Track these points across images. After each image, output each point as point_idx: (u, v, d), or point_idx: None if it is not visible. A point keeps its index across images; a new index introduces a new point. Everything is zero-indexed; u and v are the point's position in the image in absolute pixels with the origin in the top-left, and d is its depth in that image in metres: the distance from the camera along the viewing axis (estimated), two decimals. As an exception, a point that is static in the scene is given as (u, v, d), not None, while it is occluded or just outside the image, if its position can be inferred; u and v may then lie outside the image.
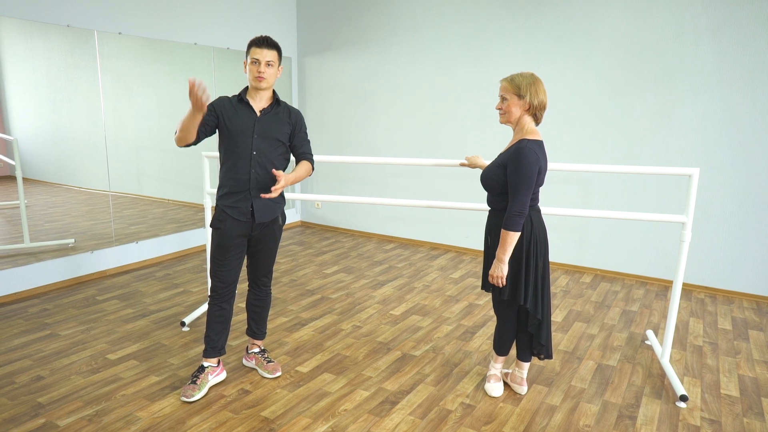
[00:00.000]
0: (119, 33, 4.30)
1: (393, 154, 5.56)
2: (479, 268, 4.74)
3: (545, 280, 2.49)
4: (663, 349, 2.96)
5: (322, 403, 2.57)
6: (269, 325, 3.46)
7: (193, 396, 2.55)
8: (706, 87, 3.98)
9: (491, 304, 3.88)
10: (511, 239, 2.34)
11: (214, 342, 2.68)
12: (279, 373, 2.82)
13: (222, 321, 2.67)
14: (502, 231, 2.35)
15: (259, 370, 2.84)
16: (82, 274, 4.24)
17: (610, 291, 4.20)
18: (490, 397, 2.65)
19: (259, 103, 2.55)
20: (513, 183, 2.31)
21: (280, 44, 5.83)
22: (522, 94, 2.32)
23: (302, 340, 3.26)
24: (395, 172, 5.58)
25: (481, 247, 5.21)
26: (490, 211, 2.54)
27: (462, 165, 2.92)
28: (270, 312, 3.69)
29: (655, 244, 4.36)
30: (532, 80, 2.32)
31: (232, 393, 2.64)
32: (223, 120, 2.51)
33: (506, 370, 2.80)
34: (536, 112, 2.35)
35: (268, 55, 2.46)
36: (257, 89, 2.51)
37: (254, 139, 2.52)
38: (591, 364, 3.00)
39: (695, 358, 3.10)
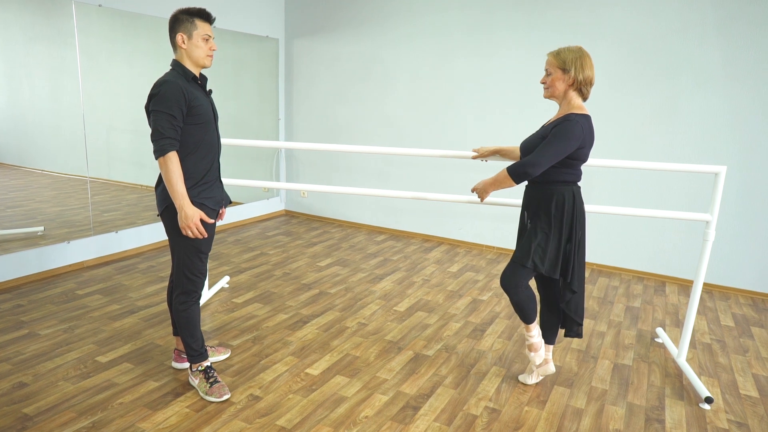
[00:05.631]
0: (99, 5, 3.95)
1: (385, 144, 5.38)
2: (476, 261, 4.65)
3: (583, 254, 2.43)
4: (680, 349, 2.92)
5: (340, 409, 2.41)
6: (269, 323, 3.27)
7: (228, 392, 2.45)
8: (710, 83, 3.96)
9: (496, 300, 3.78)
10: (506, 183, 2.32)
11: (203, 341, 2.51)
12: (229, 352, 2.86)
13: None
14: (506, 170, 2.30)
15: (213, 359, 2.78)
16: (56, 266, 3.91)
17: (609, 286, 4.17)
18: (514, 396, 2.55)
19: (201, 81, 2.36)
20: (546, 142, 2.23)
21: (266, 24, 5.55)
22: (567, 68, 2.23)
23: (307, 339, 3.08)
24: (386, 161, 5.41)
25: (477, 241, 5.11)
26: (527, 186, 2.47)
27: (474, 158, 2.80)
28: (268, 308, 3.49)
29: (652, 239, 4.35)
30: (579, 54, 2.23)
31: (241, 399, 2.45)
32: (194, 109, 2.23)
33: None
34: (581, 87, 2.26)
35: (212, 30, 2.33)
36: (203, 67, 2.32)
37: (216, 123, 2.42)
38: (607, 364, 2.94)
39: (707, 357, 3.08)
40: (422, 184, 5.24)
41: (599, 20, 4.25)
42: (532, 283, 3.67)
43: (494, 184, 2.39)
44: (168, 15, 4.43)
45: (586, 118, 2.23)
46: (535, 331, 2.57)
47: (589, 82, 2.25)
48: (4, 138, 3.79)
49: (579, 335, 2.56)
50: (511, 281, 2.44)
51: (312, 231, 5.47)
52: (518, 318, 3.47)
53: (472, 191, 2.52)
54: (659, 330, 3.31)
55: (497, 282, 4.15)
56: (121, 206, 4.63)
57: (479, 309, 3.62)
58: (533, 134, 2.40)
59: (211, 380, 2.45)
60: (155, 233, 4.67)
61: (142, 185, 4.79)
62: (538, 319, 2.61)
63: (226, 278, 3.88)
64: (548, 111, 4.47)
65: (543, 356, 2.60)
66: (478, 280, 4.19)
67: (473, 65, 4.81)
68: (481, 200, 2.50)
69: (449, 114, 5.01)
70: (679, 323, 3.54)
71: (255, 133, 5.73)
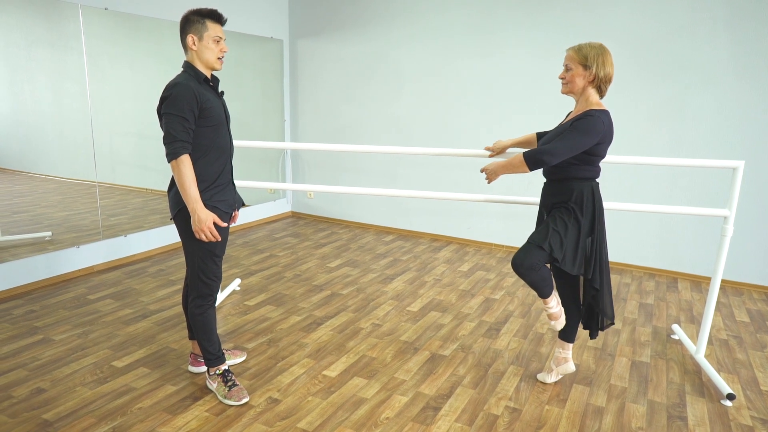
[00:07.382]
0: (105, 8, 3.94)
1: (392, 144, 5.36)
2: (486, 260, 4.63)
3: (605, 250, 2.40)
4: (698, 346, 2.90)
5: (360, 411, 2.39)
6: (283, 326, 3.25)
7: (247, 395, 2.44)
8: (718, 80, 3.94)
9: (508, 299, 3.77)
10: (520, 168, 2.28)
11: (220, 344, 2.50)
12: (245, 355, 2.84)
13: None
14: (522, 156, 2.26)
15: (229, 362, 2.75)
16: (67, 271, 3.90)
17: (621, 283, 4.16)
18: (534, 395, 2.53)
19: (213, 83, 2.33)
20: (566, 134, 2.20)
21: (270, 25, 5.53)
22: (588, 64, 2.21)
23: (322, 341, 3.06)
24: (393, 161, 5.39)
25: (485, 239, 5.09)
26: (545, 183, 2.45)
27: (490, 156, 2.78)
28: (280, 310, 3.47)
29: (662, 235, 4.34)
30: (601, 51, 2.20)
31: (260, 402, 2.43)
32: (206, 111, 2.20)
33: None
34: (601, 85, 2.24)
35: (223, 32, 2.29)
36: (214, 69, 2.30)
37: (228, 125, 2.39)
38: (625, 361, 2.93)
39: (725, 353, 3.07)
40: (429, 184, 5.22)
41: (605, 18, 4.23)
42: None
43: (507, 167, 2.34)
44: (174, 17, 4.42)
45: (606, 114, 2.22)
46: (553, 302, 2.44)
47: (609, 80, 2.24)
48: (6, 143, 3.77)
49: (597, 334, 2.56)
50: (524, 262, 2.29)
51: (320, 232, 5.45)
52: (532, 317, 3.46)
53: (482, 171, 2.48)
54: (675, 326, 3.29)
55: (509, 281, 4.13)
56: (128, 210, 4.61)
57: (493, 308, 3.61)
58: (550, 131, 2.39)
59: (229, 384, 2.43)
60: (164, 237, 4.65)
61: (147, 189, 4.77)
62: (555, 289, 2.53)
63: (237, 281, 3.86)
64: (555, 108, 4.46)
65: (564, 323, 2.50)
66: (490, 278, 4.18)
67: (478, 65, 4.79)
68: (489, 181, 2.46)
69: (455, 113, 4.99)
70: (693, 319, 3.52)
71: (260, 134, 5.71)
